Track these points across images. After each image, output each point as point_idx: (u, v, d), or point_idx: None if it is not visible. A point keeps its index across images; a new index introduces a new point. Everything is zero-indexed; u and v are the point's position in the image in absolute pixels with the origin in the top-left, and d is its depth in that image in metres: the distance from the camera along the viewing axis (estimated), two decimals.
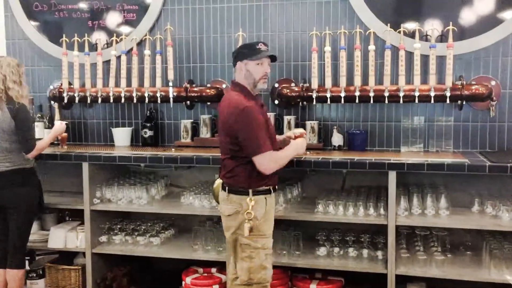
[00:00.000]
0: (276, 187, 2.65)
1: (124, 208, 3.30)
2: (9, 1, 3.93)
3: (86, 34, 3.74)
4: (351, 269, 2.94)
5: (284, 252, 3.05)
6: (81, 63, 3.67)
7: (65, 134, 3.65)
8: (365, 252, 2.99)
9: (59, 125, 3.35)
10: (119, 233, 3.36)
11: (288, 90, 3.41)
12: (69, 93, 3.68)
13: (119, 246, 3.33)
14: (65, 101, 3.67)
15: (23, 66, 3.11)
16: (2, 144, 2.98)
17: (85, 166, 3.23)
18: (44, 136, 3.42)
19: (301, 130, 2.78)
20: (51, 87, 3.87)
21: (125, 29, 3.75)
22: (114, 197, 3.32)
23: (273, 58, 2.57)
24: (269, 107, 3.51)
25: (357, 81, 3.18)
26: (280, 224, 3.16)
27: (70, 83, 3.72)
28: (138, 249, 3.28)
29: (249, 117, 2.40)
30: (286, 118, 3.40)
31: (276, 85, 3.49)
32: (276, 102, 3.48)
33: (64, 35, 3.72)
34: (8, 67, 2.97)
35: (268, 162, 2.46)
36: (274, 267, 3.01)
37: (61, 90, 3.72)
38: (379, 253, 2.97)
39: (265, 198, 2.54)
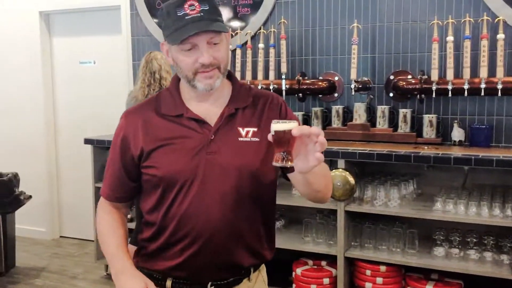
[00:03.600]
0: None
1: None
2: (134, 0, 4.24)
3: None
4: (471, 273, 2.77)
5: (398, 250, 2.96)
6: None
7: None
8: (488, 255, 2.79)
9: None
10: None
11: (404, 82, 3.29)
12: None
13: None
14: None
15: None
16: None
17: None
18: None
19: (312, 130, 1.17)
20: None
21: (239, 23, 3.85)
22: None
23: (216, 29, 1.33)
24: (383, 100, 3.41)
25: (483, 72, 2.97)
26: (394, 221, 3.08)
27: None
28: None
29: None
30: (401, 111, 3.28)
31: (392, 77, 3.37)
32: (391, 94, 3.37)
33: None
34: (162, 58, 3.22)
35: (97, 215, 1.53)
36: (387, 264, 2.96)
37: None
38: (505, 257, 2.76)
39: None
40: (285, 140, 1.14)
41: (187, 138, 1.38)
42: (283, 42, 3.56)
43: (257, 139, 1.40)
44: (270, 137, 1.19)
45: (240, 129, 1.40)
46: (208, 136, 1.38)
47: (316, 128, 1.15)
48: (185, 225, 1.37)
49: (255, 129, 1.41)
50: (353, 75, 3.29)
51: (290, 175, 1.40)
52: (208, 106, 1.43)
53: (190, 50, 1.34)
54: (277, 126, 1.16)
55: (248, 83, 3.53)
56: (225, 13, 3.89)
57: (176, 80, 1.49)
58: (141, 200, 1.48)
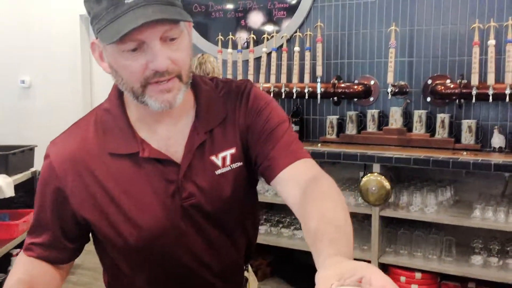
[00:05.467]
0: None
1: (270, 200, 3.41)
2: None
3: (239, 33, 3.94)
4: (510, 282, 2.70)
5: (434, 257, 2.91)
6: (234, 60, 3.88)
7: None
8: None
9: None
10: (264, 223, 3.49)
11: (442, 87, 3.23)
12: None
13: (263, 236, 3.45)
14: None
15: None
16: None
17: None
18: None
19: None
20: None
21: (275, 27, 3.87)
22: (260, 188, 3.44)
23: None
24: (420, 104, 3.36)
25: None
26: (430, 228, 3.03)
27: None
28: (282, 240, 3.36)
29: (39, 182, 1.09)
30: (439, 116, 3.22)
31: (429, 81, 3.32)
32: (429, 99, 3.32)
33: (219, 34, 3.96)
34: (215, 61, 3.20)
35: None
36: (423, 271, 2.90)
37: None
38: None
39: None
40: None
41: (149, 187, 1.01)
42: (319, 45, 3.55)
43: (239, 164, 1.05)
44: None
45: (214, 158, 1.03)
46: (177, 179, 1.01)
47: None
48: None
49: (233, 151, 1.04)
50: (390, 79, 3.26)
51: (281, 191, 1.03)
52: (166, 131, 1.03)
53: (136, 51, 0.91)
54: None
55: (283, 86, 3.65)
56: (262, 16, 3.91)
57: (117, 94, 1.05)
58: (100, 260, 1.14)
